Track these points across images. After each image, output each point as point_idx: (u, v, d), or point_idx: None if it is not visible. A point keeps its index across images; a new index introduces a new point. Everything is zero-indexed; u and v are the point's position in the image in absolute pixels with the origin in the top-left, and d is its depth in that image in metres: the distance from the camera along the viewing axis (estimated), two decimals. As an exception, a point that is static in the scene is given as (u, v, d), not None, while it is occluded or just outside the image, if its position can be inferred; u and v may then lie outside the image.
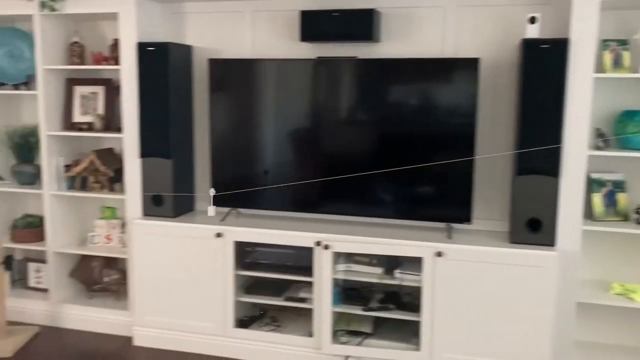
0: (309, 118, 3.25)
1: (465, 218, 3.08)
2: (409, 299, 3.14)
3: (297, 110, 3.27)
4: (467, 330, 2.92)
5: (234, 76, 3.31)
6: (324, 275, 3.08)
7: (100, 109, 3.61)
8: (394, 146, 3.12)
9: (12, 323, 3.58)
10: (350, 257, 3.16)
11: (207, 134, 3.49)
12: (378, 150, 3.14)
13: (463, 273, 2.90)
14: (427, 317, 2.97)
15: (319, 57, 3.24)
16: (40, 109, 3.51)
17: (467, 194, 3.05)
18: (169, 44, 3.25)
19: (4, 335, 3.40)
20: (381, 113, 3.13)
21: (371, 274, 3.11)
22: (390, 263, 3.12)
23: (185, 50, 3.45)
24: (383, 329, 3.20)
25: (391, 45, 3.24)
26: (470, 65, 2.96)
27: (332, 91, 3.21)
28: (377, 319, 3.20)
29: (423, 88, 3.06)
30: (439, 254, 2.91)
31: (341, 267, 3.13)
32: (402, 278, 3.05)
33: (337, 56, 3.26)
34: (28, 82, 3.69)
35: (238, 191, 3.35)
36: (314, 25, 3.13)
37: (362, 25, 3.06)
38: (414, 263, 3.03)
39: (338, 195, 3.27)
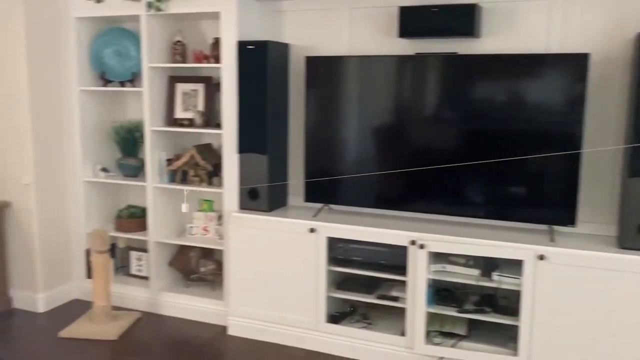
0: (407, 115, 3.22)
1: (570, 220, 2.94)
2: (506, 302, 3.05)
3: (394, 107, 3.24)
4: (569, 338, 2.80)
5: (331, 73, 3.34)
6: (419, 275, 3.05)
7: (201, 105, 3.74)
8: (495, 145, 3.03)
9: (115, 308, 3.79)
10: (445, 258, 3.10)
11: (301, 130, 3.53)
12: (477, 149, 3.06)
13: (567, 278, 2.77)
14: (527, 322, 2.87)
15: (417, 53, 3.19)
16: (145, 105, 3.69)
17: (572, 194, 2.91)
18: (268, 43, 3.31)
19: (109, 320, 3.61)
20: (482, 110, 3.05)
21: (467, 275, 3.04)
22: (487, 265, 3.04)
23: (283, 48, 3.51)
24: (478, 332, 3.12)
25: (492, 40, 3.15)
26: (579, 61, 2.82)
27: (430, 87, 3.17)
28: (471, 321, 3.13)
29: (527, 84, 2.95)
30: (541, 257, 2.80)
31: (436, 267, 3.09)
32: (500, 281, 2.96)
33: (436, 52, 3.20)
34: (133, 79, 3.88)
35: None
36: (413, 21, 3.09)
37: (463, 20, 2.99)
38: (512, 265, 2.94)
39: (431, 194, 3.22)
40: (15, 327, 3.65)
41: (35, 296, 3.83)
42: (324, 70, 3.34)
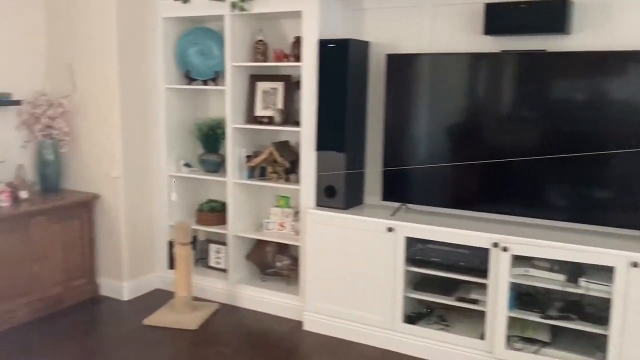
0: (491, 114, 3.15)
1: (666, 227, 2.78)
2: (593, 310, 2.93)
3: (477, 106, 3.18)
4: (665, 351, 2.65)
5: (412, 71, 3.31)
6: (501, 278, 2.97)
7: (280, 103, 3.80)
8: (585, 146, 2.91)
9: (195, 299, 3.92)
10: (528, 261, 3.01)
11: (380, 128, 3.51)
12: (565, 152, 2.95)
13: (662, 287, 2.63)
14: (617, 331, 2.74)
15: (503, 51, 3.11)
16: (227, 103, 3.79)
17: (670, 200, 2.76)
18: (349, 41, 3.32)
19: (190, 310, 3.74)
20: (571, 110, 2.93)
21: (552, 280, 2.94)
22: (573, 270, 2.93)
23: (363, 46, 3.51)
24: (561, 339, 3.02)
25: (583, 37, 3.02)
26: (681, 58, 2.67)
27: (515, 86, 3.08)
28: (554, 327, 3.03)
29: (621, 83, 2.81)
30: (635, 265, 2.66)
31: (518, 270, 3.00)
32: (588, 287, 2.84)
33: (523, 49, 3.10)
34: (215, 78, 3.99)
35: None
36: (500, 18, 3.02)
37: (554, 16, 2.89)
38: (601, 272, 2.81)
39: (512, 195, 3.13)
40: (102, 313, 3.85)
41: (121, 284, 4.03)
42: (405, 68, 3.32)
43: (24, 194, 3.71)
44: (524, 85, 3.06)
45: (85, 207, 3.96)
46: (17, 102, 3.79)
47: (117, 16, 3.75)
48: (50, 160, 3.94)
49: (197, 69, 4.00)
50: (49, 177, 3.97)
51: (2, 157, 3.74)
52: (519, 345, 3.02)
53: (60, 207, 3.78)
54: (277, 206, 3.93)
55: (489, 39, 3.22)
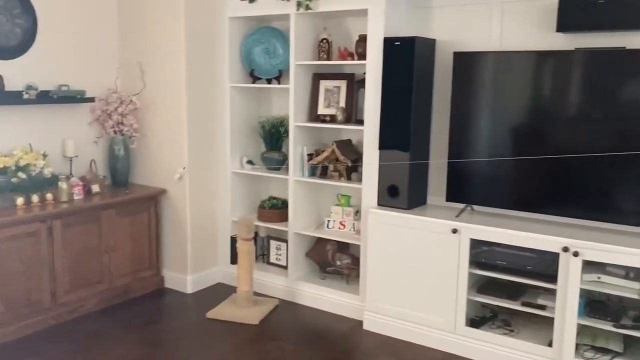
0: (562, 114, 3.04)
1: None
2: (670, 321, 2.79)
3: (547, 106, 3.08)
4: None
5: (480, 69, 3.24)
6: (571, 284, 2.87)
7: (342, 102, 3.81)
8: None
9: (255, 294, 3.97)
10: (600, 267, 2.89)
11: (445, 127, 3.45)
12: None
13: None
14: (698, 344, 2.60)
15: (577, 49, 3.00)
16: (290, 101, 3.82)
17: None
18: (415, 39, 3.29)
19: (251, 304, 3.79)
20: (650, 110, 2.80)
21: (626, 288, 2.81)
22: (650, 278, 2.79)
23: (429, 44, 3.46)
24: (636, 350, 2.88)
25: (665, 33, 2.87)
26: None
27: (590, 85, 2.96)
28: (627, 337, 2.90)
29: None
30: None
31: (589, 276, 2.89)
32: (666, 297, 2.71)
33: (599, 47, 2.97)
34: (279, 76, 4.04)
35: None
36: (574, 14, 2.91)
37: (635, 11, 2.75)
38: (682, 281, 2.67)
39: (583, 198, 3.02)
40: (167, 305, 3.97)
41: (185, 277, 4.13)
42: (473, 67, 3.25)
43: (95, 188, 3.87)
44: (599, 85, 2.93)
45: (153, 201, 4.08)
46: (90, 99, 3.95)
47: (185, 17, 3.84)
48: (121, 156, 4.09)
49: (261, 67, 4.06)
50: (119, 171, 4.12)
51: (76, 153, 3.90)
52: (589, 354, 2.91)
53: (129, 201, 3.91)
54: (337, 205, 3.94)
55: (562, 36, 3.10)
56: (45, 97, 3.70)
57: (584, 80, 2.98)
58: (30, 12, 3.66)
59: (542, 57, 3.09)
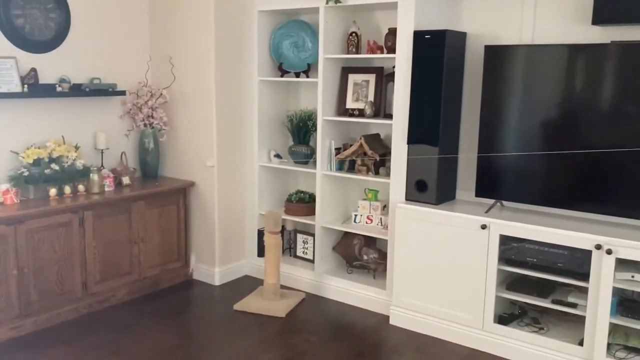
0: (596, 109, 2.98)
1: None
2: None
3: (580, 100, 3.01)
4: None
5: (512, 63, 3.18)
6: (603, 283, 2.81)
7: (371, 96, 3.78)
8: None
9: (282, 287, 3.99)
10: (634, 265, 2.83)
11: (475, 122, 3.40)
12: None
13: None
14: None
15: (613, 42, 2.92)
16: (319, 95, 3.82)
17: None
18: (446, 32, 3.25)
19: (278, 297, 3.81)
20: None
21: (661, 288, 2.75)
22: (686, 278, 2.72)
23: (460, 37, 3.41)
24: (670, 351, 2.82)
25: None
26: None
27: (626, 79, 2.88)
28: (662, 338, 2.83)
29: None
30: None
31: (623, 275, 2.82)
32: (703, 297, 2.63)
33: (636, 40, 2.90)
34: (307, 70, 4.03)
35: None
36: (611, 6, 2.83)
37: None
38: None
39: (616, 195, 2.95)
40: (195, 296, 4.01)
41: (213, 270, 4.17)
42: (504, 60, 3.20)
43: (126, 180, 3.93)
44: (635, 79, 2.85)
45: (182, 194, 4.13)
46: (121, 93, 4.01)
47: (215, 10, 3.86)
48: (151, 149, 4.14)
49: (290, 61, 4.06)
50: (149, 164, 4.17)
51: (107, 145, 3.97)
52: (621, 354, 2.85)
53: (159, 193, 3.96)
54: (365, 199, 3.93)
55: (597, 29, 3.03)
56: (77, 90, 3.77)
57: (619, 75, 2.91)
58: (63, 7, 3.72)
59: (576, 50, 3.02)
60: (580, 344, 2.94)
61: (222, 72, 3.98)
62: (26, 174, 3.44)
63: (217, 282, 4.17)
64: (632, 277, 2.82)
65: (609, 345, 2.86)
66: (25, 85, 3.47)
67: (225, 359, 3.13)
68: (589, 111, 3.00)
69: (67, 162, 3.61)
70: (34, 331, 3.35)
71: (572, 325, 3.07)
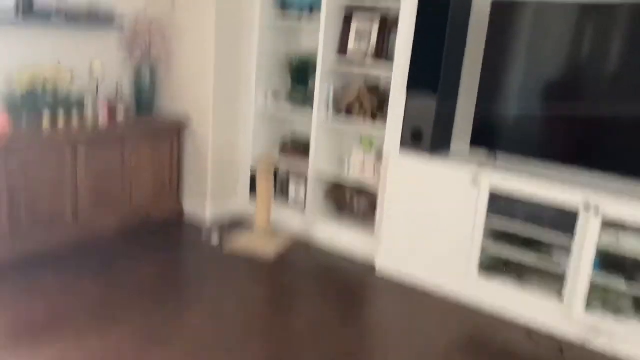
0: (599, 67, 2.92)
1: None
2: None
3: (584, 59, 2.96)
4: None
5: (518, 19, 3.11)
6: (587, 241, 2.84)
7: (373, 40, 3.71)
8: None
9: (272, 230, 4.02)
10: (621, 227, 2.85)
11: (476, 74, 3.35)
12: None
13: None
14: None
15: (624, 2, 2.84)
16: (320, 37, 3.74)
17: None
18: (454, -23, 3.16)
19: (268, 239, 3.85)
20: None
21: (645, 250, 2.78)
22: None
23: (468, -14, 3.33)
24: (645, 312, 2.87)
25: None
26: None
27: (636, 40, 2.83)
28: (638, 299, 2.88)
29: None
30: None
31: (608, 236, 2.85)
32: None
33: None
34: (310, 10, 3.94)
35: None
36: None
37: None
38: None
39: (610, 151, 2.94)
40: (185, 232, 4.04)
41: (204, 207, 4.19)
42: (511, 17, 3.12)
43: (120, 111, 3.87)
44: (642, 38, 2.80)
45: (176, 131, 4.10)
46: (120, 24, 3.92)
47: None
48: (147, 82, 4.08)
49: (293, 0, 3.96)
50: (144, 98, 4.12)
51: (103, 75, 3.89)
52: (599, 311, 2.91)
53: (153, 129, 3.94)
54: (360, 147, 3.90)
55: (608, -15, 2.95)
56: (74, 18, 3.67)
57: (631, 36, 2.85)
58: None
59: (586, 9, 2.94)
60: (561, 300, 2.99)
61: (223, 7, 3.88)
62: (20, 99, 3.39)
63: (207, 219, 4.20)
64: (617, 238, 2.84)
65: (588, 302, 2.91)
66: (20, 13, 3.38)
67: (212, 290, 3.18)
68: (594, 70, 2.94)
69: (62, 88, 3.55)
70: (25, 256, 3.38)
71: (554, 281, 3.10)
